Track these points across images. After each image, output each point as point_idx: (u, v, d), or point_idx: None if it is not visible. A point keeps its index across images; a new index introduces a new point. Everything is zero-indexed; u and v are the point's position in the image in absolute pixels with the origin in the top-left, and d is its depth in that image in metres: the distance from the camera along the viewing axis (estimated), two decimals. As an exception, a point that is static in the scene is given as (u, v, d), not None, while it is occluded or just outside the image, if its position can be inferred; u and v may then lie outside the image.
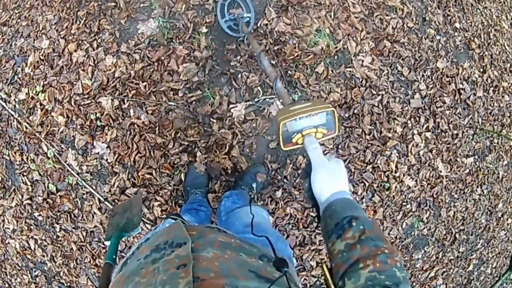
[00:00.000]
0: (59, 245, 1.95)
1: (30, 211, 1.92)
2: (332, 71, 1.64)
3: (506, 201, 2.19)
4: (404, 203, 1.77)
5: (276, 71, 1.44)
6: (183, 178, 1.64)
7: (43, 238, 1.96)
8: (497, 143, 2.08)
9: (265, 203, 1.60)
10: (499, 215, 2.17)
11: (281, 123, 0.67)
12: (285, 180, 1.61)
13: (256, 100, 1.59)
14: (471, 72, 1.97)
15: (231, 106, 1.59)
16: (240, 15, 1.52)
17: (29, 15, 1.94)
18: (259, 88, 1.61)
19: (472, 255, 2.13)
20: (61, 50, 1.86)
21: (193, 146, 1.62)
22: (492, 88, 2.07)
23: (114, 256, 0.78)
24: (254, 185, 1.55)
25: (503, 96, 2.13)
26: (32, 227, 1.96)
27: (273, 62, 1.60)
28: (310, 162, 0.66)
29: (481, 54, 2.06)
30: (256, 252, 0.62)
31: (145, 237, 0.69)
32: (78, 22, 1.88)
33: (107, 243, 0.86)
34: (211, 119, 1.60)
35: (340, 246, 0.53)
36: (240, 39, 1.59)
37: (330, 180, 0.62)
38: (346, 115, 1.63)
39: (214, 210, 1.59)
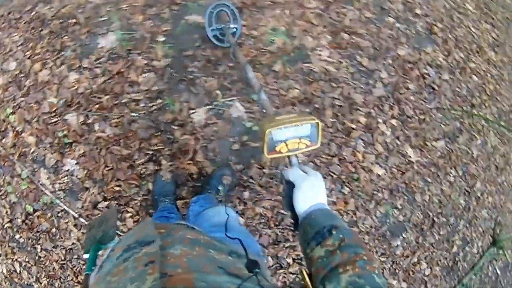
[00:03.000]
0: (42, 265, 1.96)
1: (11, 234, 1.93)
2: (289, 68, 1.65)
3: (484, 180, 2.19)
4: (375, 192, 1.77)
5: (260, 82, 1.46)
6: (151, 188, 1.65)
7: (27, 260, 1.97)
8: (468, 123, 2.08)
9: (233, 204, 1.61)
10: (478, 194, 2.17)
11: (267, 131, 0.69)
12: (251, 180, 1.62)
13: (215, 103, 1.60)
14: (434, 56, 1.98)
15: (191, 111, 1.60)
16: (227, 26, 1.53)
17: None
18: (217, 91, 1.62)
19: (454, 236, 2.13)
20: (27, 71, 1.88)
21: (158, 154, 1.63)
22: (458, 70, 2.07)
23: (93, 268, 0.81)
24: (220, 187, 1.55)
25: (471, 77, 2.13)
26: (15, 250, 1.97)
27: (231, 64, 1.61)
28: (288, 164, 0.71)
29: (445, 38, 2.06)
30: (225, 248, 0.63)
31: (116, 240, 0.70)
32: (42, 42, 1.90)
33: (86, 256, 0.89)
34: (173, 127, 1.61)
35: (320, 252, 0.55)
36: (226, 49, 1.58)
37: (310, 194, 0.66)
38: (307, 110, 1.64)
39: (184, 216, 1.59)
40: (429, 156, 1.90)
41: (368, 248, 1.77)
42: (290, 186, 0.68)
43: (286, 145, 0.70)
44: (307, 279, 0.54)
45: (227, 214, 1.02)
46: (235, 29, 1.55)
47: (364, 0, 1.86)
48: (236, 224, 1.16)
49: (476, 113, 2.05)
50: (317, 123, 0.71)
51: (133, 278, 0.47)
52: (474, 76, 2.16)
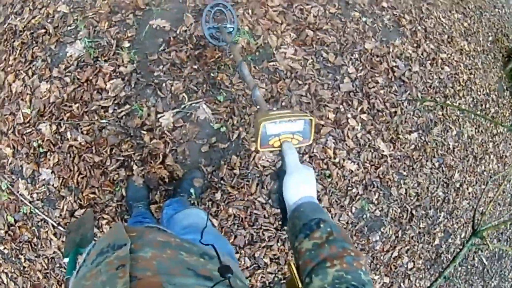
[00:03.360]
0: (27, 275, 1.96)
1: (-4, 245, 1.94)
2: (255, 67, 1.66)
3: (462, 171, 2.19)
4: (349, 188, 1.77)
5: (254, 80, 1.49)
6: (124, 193, 1.66)
7: (12, 270, 1.98)
8: (442, 115, 2.08)
9: (206, 206, 1.61)
10: (457, 185, 2.17)
11: (262, 124, 0.70)
12: (222, 181, 1.63)
13: (182, 106, 1.61)
14: (403, 49, 1.98)
15: (159, 115, 1.61)
16: (224, 25, 1.55)
17: None
18: (184, 94, 1.62)
19: (435, 229, 2.13)
20: (1, 83, 1.89)
21: (129, 160, 1.64)
22: (429, 62, 2.08)
23: (73, 271, 0.82)
24: (192, 190, 1.56)
25: (442, 68, 2.14)
26: (1, 261, 1.98)
27: (195, 67, 1.62)
28: (282, 166, 0.71)
29: (413, 29, 2.07)
30: (196, 250, 0.63)
31: (93, 243, 0.72)
32: (14, 53, 1.91)
33: (66, 260, 0.90)
34: (142, 131, 1.62)
35: (307, 245, 0.55)
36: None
37: (302, 185, 0.65)
38: (274, 108, 1.65)
39: (159, 220, 1.60)
40: (402, 150, 1.90)
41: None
42: (283, 178, 0.68)
43: (279, 139, 0.71)
44: (295, 271, 0.55)
45: (203, 218, 1.01)
46: (231, 29, 1.57)
47: (330, -4, 1.87)
48: (208, 226, 1.17)
49: (450, 103, 2.06)
50: (311, 120, 0.72)
51: (104, 282, 0.48)
52: (446, 67, 2.16)
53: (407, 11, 2.09)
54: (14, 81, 1.88)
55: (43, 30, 1.92)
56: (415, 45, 2.04)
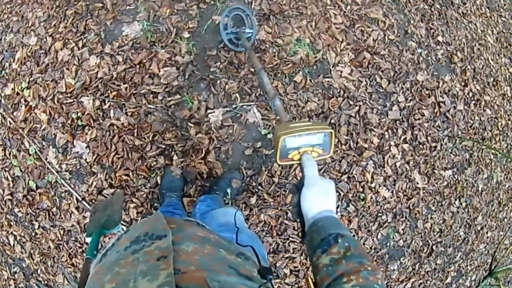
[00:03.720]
0: (37, 242, 1.95)
1: (10, 206, 1.93)
2: (310, 80, 1.66)
3: (485, 214, 2.20)
4: (379, 214, 1.78)
5: (274, 89, 1.48)
6: (159, 181, 1.65)
7: (22, 234, 1.97)
8: (477, 156, 2.09)
9: (239, 209, 1.61)
10: (478, 228, 2.18)
11: (281, 138, 0.69)
12: (259, 187, 1.62)
13: (233, 106, 1.61)
14: (452, 86, 1.99)
15: (209, 111, 1.60)
16: (243, 30, 1.54)
17: (20, 11, 1.96)
18: (237, 94, 1.62)
19: (450, 267, 2.14)
20: (47, 48, 1.88)
21: (170, 149, 1.64)
22: (473, 102, 2.09)
23: (95, 252, 0.80)
24: (229, 190, 1.56)
25: (484, 110, 2.15)
26: (12, 223, 1.97)
27: (252, 70, 1.62)
28: (302, 179, 0.69)
29: (464, 68, 2.08)
30: (234, 249, 0.62)
31: (119, 227, 0.69)
32: (65, 21, 1.90)
33: (88, 239, 0.87)
34: (189, 124, 1.61)
35: (325, 260, 0.55)
36: (238, 53, 1.59)
37: (321, 198, 0.64)
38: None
39: (189, 214, 1.60)
40: (435, 184, 1.91)
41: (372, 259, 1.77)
42: (300, 186, 0.67)
43: (299, 152, 0.70)
44: (312, 286, 0.55)
45: (237, 228, 1.01)
46: (250, 34, 1.56)
47: (389, 22, 1.88)
48: (243, 226, 1.16)
49: (487, 145, 2.06)
50: (331, 133, 0.71)
51: (145, 272, 0.46)
52: (487, 110, 2.17)
53: (460, 48, 2.09)
54: (61, 49, 1.87)
55: (100, 4, 1.91)
56: (463, 83, 2.04)
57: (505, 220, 2.33)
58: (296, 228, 1.65)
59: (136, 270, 0.47)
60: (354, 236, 1.80)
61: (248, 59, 1.45)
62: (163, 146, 1.63)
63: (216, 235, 0.66)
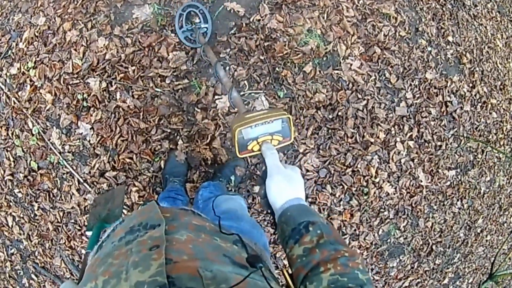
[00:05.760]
0: (36, 224, 1.94)
1: (10, 187, 1.92)
2: (319, 71, 1.65)
3: (486, 218, 2.20)
4: (382, 210, 1.77)
5: (231, 81, 1.48)
6: (162, 166, 1.64)
7: (21, 215, 1.95)
8: (481, 158, 2.09)
9: (242, 196, 1.60)
10: (478, 230, 2.18)
11: (237, 130, 0.67)
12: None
13: (241, 93, 1.60)
14: (460, 86, 1.99)
15: (216, 97, 1.59)
16: (198, 26, 1.52)
17: None
18: (245, 82, 1.61)
19: (448, 268, 2.13)
20: (56, 28, 1.86)
21: (175, 134, 1.63)
22: (480, 104, 2.08)
23: (95, 246, 0.78)
24: (232, 178, 1.55)
25: (490, 113, 2.14)
26: (11, 204, 1.95)
27: (262, 58, 1.61)
28: (266, 169, 0.67)
29: (472, 69, 2.07)
30: (230, 237, 0.61)
31: (120, 220, 0.69)
32: (75, 2, 1.88)
33: (89, 233, 0.86)
34: (196, 109, 1.60)
35: (298, 251, 0.53)
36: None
37: (286, 187, 0.62)
38: (330, 116, 1.64)
39: (191, 200, 1.58)
40: (439, 184, 1.90)
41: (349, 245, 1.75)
42: (265, 177, 0.65)
43: (258, 142, 0.68)
44: (288, 279, 0.52)
45: (218, 216, 1.00)
46: (205, 29, 1.55)
47: (401, 18, 1.87)
48: (244, 213, 1.15)
49: (493, 146, 2.06)
50: (288, 118, 0.69)
51: (137, 263, 0.45)
52: (493, 113, 2.17)
53: (469, 50, 2.09)
54: (70, 30, 1.85)
55: (112, -14, 1.89)
56: (470, 85, 2.04)
57: (505, 224, 2.33)
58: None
59: (129, 261, 0.46)
60: (327, 222, 1.79)
61: (203, 53, 1.43)
62: (169, 130, 1.62)
63: (212, 223, 0.64)
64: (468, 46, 2.10)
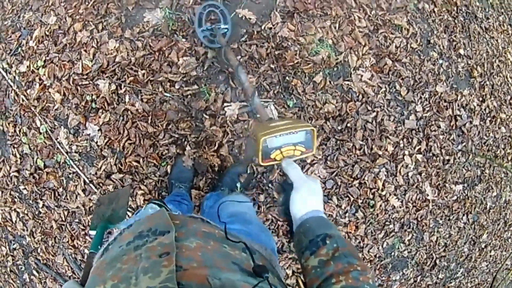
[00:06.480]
0: (40, 221, 1.95)
1: (16, 183, 1.92)
2: (330, 82, 1.64)
3: (491, 233, 2.18)
4: (387, 223, 1.76)
5: (253, 86, 1.47)
6: (169, 170, 1.64)
7: (25, 212, 1.96)
8: (488, 173, 2.07)
9: (250, 199, 1.59)
10: (483, 246, 2.16)
11: (262, 139, 0.68)
12: (270, 185, 1.61)
13: (250, 102, 1.59)
14: (469, 100, 1.97)
15: (225, 104, 1.59)
16: (218, 26, 1.52)
17: None
18: (255, 90, 1.60)
19: (451, 282, 2.12)
20: (66, 28, 1.86)
21: (183, 139, 1.62)
22: (489, 118, 2.07)
23: (99, 246, 0.78)
24: (238, 185, 1.54)
25: (499, 128, 2.13)
26: (16, 200, 1.96)
27: (273, 66, 1.61)
28: (287, 179, 0.70)
29: (482, 83, 2.06)
30: (239, 245, 0.61)
31: (127, 223, 0.69)
32: (86, 3, 1.88)
33: (92, 232, 0.86)
34: (204, 115, 1.60)
35: (313, 262, 0.55)
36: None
37: (309, 199, 0.64)
38: (339, 127, 1.63)
39: (195, 206, 1.58)
40: (445, 198, 1.89)
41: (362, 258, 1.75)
42: (289, 190, 0.67)
43: (281, 152, 0.70)
44: (302, 287, 0.55)
45: (223, 222, 0.99)
46: (225, 30, 1.54)
47: (413, 30, 1.86)
48: (252, 216, 1.14)
49: (500, 163, 2.04)
50: (312, 130, 0.71)
51: (147, 269, 0.46)
52: (502, 127, 2.15)
53: (480, 63, 2.07)
54: (80, 31, 1.85)
55: (123, -12, 1.89)
56: (480, 98, 2.02)
57: (509, 240, 2.31)
58: (283, 226, 1.63)
59: (138, 267, 0.47)
60: (344, 236, 1.78)
61: (223, 55, 1.43)
62: (176, 136, 1.62)
63: (221, 230, 0.65)
64: (479, 59, 2.08)
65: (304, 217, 0.63)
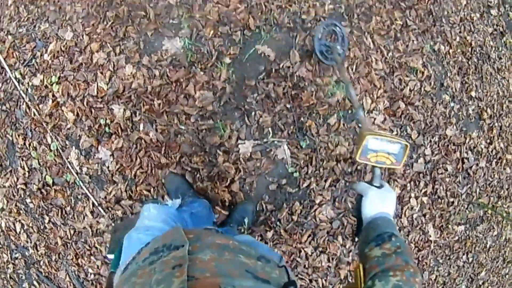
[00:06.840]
0: (44, 235, 1.96)
1: (22, 196, 1.93)
2: (343, 124, 1.66)
3: (489, 270, 2.23)
4: (389, 262, 1.80)
5: (360, 101, 1.61)
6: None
7: (30, 225, 1.97)
8: (490, 214, 2.11)
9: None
10: (480, 283, 2.21)
11: (367, 136, 0.76)
12: (278, 222, 1.64)
13: (264, 140, 1.61)
14: (477, 143, 2.00)
15: (239, 141, 1.61)
16: (336, 45, 1.56)
17: (58, 1, 1.90)
18: (270, 129, 1.63)
19: (447, 317, 2.17)
20: (83, 47, 1.85)
21: (195, 173, 1.64)
22: (495, 160, 2.10)
23: (118, 267, 0.83)
24: (246, 220, 1.57)
25: (504, 169, 2.16)
26: (21, 211, 1.96)
27: (288, 106, 1.62)
28: (372, 180, 0.79)
29: (491, 125, 2.08)
30: (254, 253, 0.65)
31: (145, 242, 0.73)
32: (105, 23, 1.86)
33: (111, 256, 0.91)
34: (218, 151, 1.62)
35: (377, 252, 0.63)
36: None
37: (378, 203, 0.73)
38: (349, 170, 1.66)
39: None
40: (447, 239, 1.93)
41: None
42: (360, 197, 0.76)
43: (377, 155, 0.77)
44: (361, 272, 0.62)
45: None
46: (342, 51, 1.58)
47: (427, 72, 1.87)
48: (260, 243, 1.20)
49: (496, 210, 2.08)
50: (406, 145, 0.77)
51: (160, 280, 0.48)
52: (508, 168, 2.18)
53: (490, 105, 2.10)
54: (97, 51, 1.85)
55: (143, 13, 1.89)
56: (488, 140, 2.05)
57: (507, 276, 2.36)
58: (306, 266, 1.67)
59: (152, 279, 0.49)
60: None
61: (338, 72, 1.55)
62: (189, 169, 1.64)
63: (236, 241, 0.68)
64: (490, 101, 2.11)
65: (376, 216, 0.71)
